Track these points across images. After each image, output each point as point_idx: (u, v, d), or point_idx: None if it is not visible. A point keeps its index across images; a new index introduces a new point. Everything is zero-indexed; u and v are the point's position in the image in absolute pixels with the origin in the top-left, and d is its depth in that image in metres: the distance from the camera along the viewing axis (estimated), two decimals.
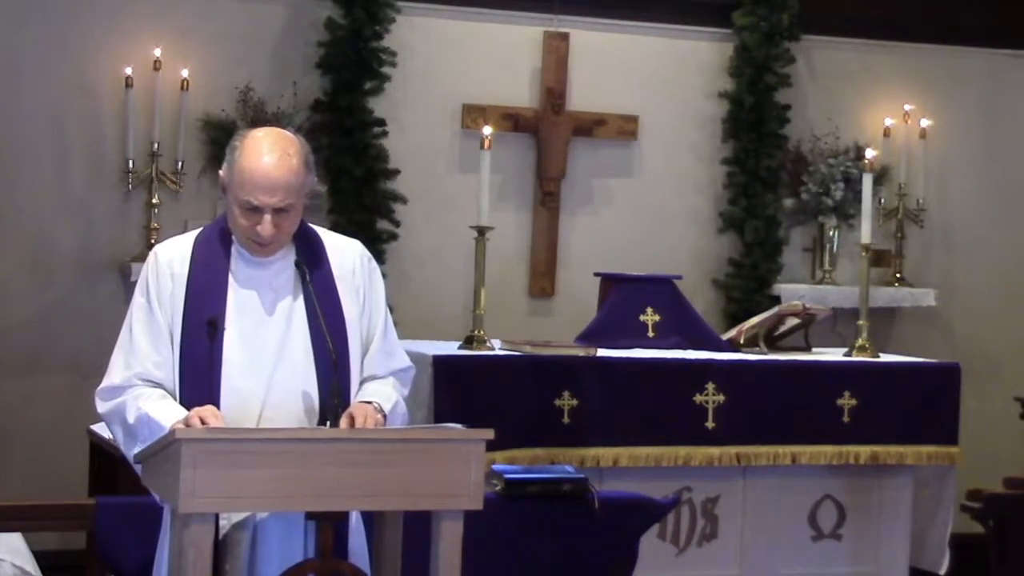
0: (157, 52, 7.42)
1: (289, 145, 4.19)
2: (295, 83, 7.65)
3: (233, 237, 4.26)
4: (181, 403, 4.16)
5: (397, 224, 7.77)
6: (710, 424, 6.46)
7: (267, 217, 4.13)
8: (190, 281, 4.22)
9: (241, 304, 4.22)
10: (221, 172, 4.24)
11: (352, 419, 4.09)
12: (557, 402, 6.27)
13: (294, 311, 4.24)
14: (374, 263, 4.43)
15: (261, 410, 4.17)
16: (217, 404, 4.12)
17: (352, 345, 4.27)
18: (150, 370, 4.17)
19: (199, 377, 4.15)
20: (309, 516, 4.09)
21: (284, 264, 4.29)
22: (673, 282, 6.90)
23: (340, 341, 4.22)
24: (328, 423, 4.10)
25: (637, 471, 6.33)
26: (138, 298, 4.24)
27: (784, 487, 6.65)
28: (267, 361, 4.19)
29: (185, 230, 7.25)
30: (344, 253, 4.37)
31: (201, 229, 4.36)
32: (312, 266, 4.26)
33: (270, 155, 4.14)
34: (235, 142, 4.21)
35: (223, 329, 4.16)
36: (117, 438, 4.23)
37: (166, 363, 4.18)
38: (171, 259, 4.24)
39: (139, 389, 4.14)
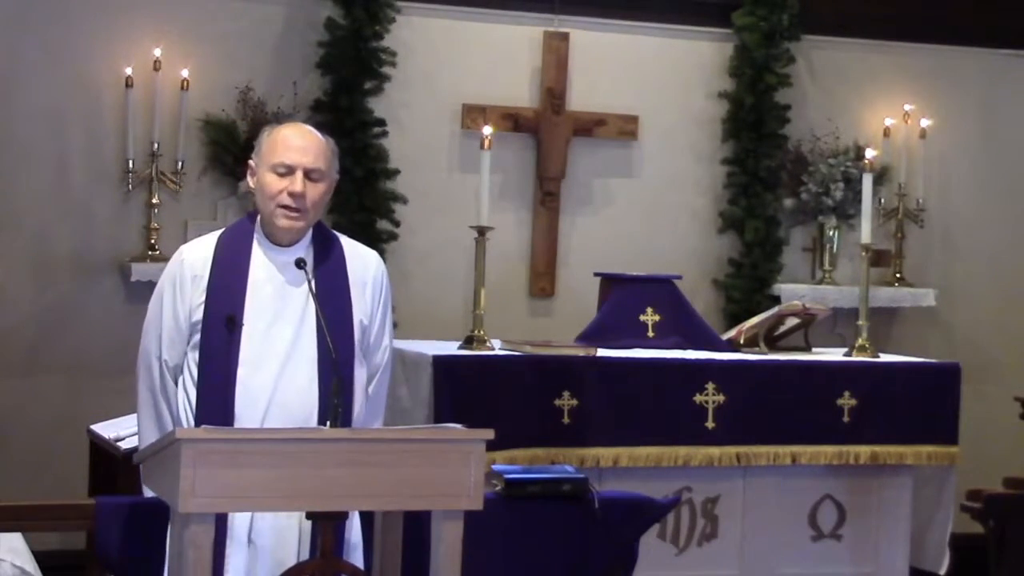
0: (157, 52, 7.41)
1: (317, 130, 4.51)
2: (295, 83, 7.65)
3: (255, 237, 4.44)
4: (197, 397, 4.34)
5: (397, 224, 7.77)
6: (710, 424, 6.46)
7: (299, 174, 4.35)
8: (211, 281, 4.39)
9: (257, 303, 4.38)
10: (251, 161, 4.48)
11: None
12: (557, 402, 6.27)
13: (307, 312, 4.39)
14: (387, 276, 4.61)
15: (267, 408, 4.30)
16: (232, 399, 4.27)
17: (357, 349, 4.40)
18: (170, 351, 4.42)
19: (216, 372, 4.31)
20: (310, 516, 4.10)
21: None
22: (673, 282, 6.89)
23: (346, 343, 4.30)
24: (328, 423, 4.12)
25: (637, 471, 6.32)
26: (166, 287, 4.45)
27: (784, 487, 6.65)
28: (276, 360, 4.33)
29: (185, 230, 7.39)
30: (362, 261, 4.54)
31: (224, 230, 4.55)
32: (326, 268, 4.40)
33: (300, 127, 4.51)
34: (263, 132, 4.52)
35: (241, 325, 4.30)
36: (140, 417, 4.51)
37: (177, 348, 4.41)
38: (194, 262, 4.45)
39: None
